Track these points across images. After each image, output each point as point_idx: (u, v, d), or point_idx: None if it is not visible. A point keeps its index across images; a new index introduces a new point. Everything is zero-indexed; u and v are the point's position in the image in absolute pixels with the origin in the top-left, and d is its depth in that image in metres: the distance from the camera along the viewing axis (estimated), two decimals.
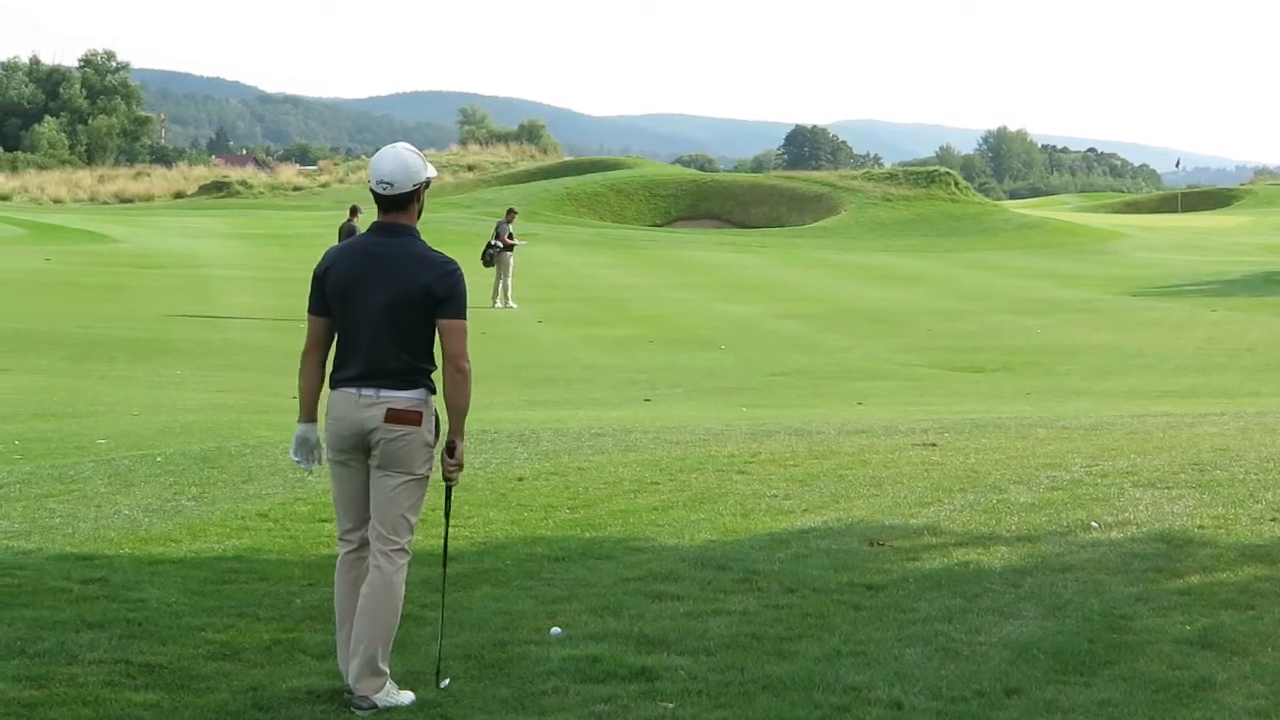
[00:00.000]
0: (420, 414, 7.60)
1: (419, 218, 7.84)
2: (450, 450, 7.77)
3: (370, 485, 7.73)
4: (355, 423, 7.61)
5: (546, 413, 20.49)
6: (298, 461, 7.94)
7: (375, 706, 7.41)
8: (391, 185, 7.68)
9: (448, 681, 7.74)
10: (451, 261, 7.72)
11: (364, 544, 7.76)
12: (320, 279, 7.77)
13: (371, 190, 7.75)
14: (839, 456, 15.11)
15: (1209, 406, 21.12)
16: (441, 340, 7.64)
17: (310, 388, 7.86)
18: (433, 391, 7.67)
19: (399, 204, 7.73)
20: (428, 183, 7.83)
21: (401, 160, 7.71)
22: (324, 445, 7.85)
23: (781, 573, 10.09)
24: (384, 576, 7.60)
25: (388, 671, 7.54)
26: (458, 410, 7.66)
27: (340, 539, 7.88)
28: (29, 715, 7.16)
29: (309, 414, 7.88)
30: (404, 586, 7.69)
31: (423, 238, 7.80)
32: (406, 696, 7.55)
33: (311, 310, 7.81)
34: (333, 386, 7.73)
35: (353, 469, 7.74)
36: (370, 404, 7.58)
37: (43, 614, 8.92)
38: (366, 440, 7.63)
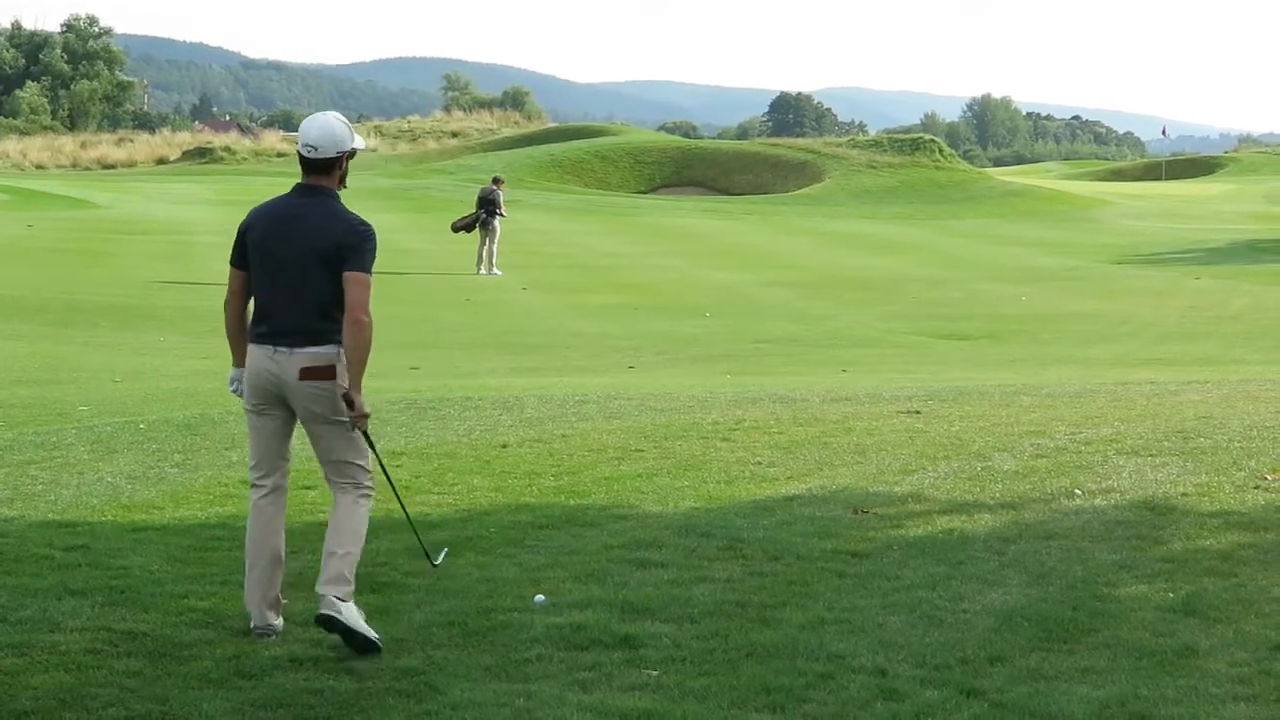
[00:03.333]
0: (334, 367, 7.98)
1: (341, 185, 8.25)
2: (349, 404, 7.99)
3: (309, 438, 8.22)
4: (272, 377, 8.05)
5: (531, 380, 20.47)
6: (234, 392, 8.38)
7: (340, 614, 7.73)
8: (316, 150, 8.14)
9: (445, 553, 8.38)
10: (365, 223, 8.14)
11: (276, 489, 8.27)
12: (243, 235, 8.25)
13: (298, 152, 8.18)
14: (823, 424, 15.10)
15: (1192, 374, 21.14)
16: (345, 291, 7.92)
17: (235, 334, 8.34)
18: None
19: (321, 168, 8.16)
20: (353, 153, 8.25)
21: (329, 128, 8.15)
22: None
23: (765, 540, 10.09)
24: (350, 501, 8.13)
25: (348, 591, 7.88)
26: (354, 363, 7.96)
27: (253, 484, 8.35)
28: (10, 683, 7.15)
29: (239, 359, 8.31)
30: (368, 515, 8.17)
31: (341, 201, 8.21)
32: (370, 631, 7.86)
33: (232, 262, 8.28)
34: (250, 341, 8.18)
35: (268, 417, 8.19)
36: (285, 360, 8.00)
37: (25, 581, 8.91)
38: (283, 393, 8.06)
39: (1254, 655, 7.70)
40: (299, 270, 8.00)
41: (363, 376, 8.00)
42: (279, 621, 8.07)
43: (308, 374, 7.96)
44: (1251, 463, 12.75)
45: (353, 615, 7.80)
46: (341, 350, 7.95)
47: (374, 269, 8.18)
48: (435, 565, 8.56)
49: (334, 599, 7.79)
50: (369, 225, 8.12)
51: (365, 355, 7.95)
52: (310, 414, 8.06)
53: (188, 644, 7.79)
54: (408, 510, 9.06)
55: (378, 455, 8.48)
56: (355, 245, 7.95)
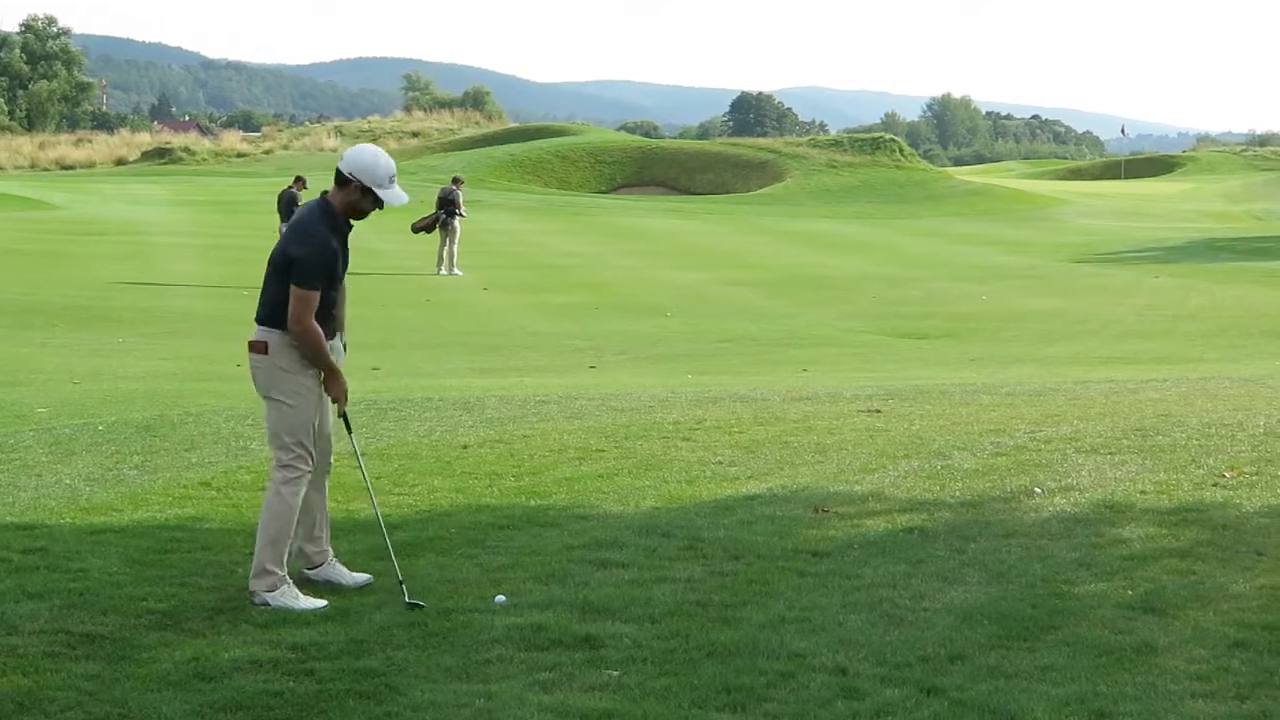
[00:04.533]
0: (266, 344, 8.78)
1: (349, 210, 8.88)
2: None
3: None
4: None
5: (492, 380, 20.44)
6: None
7: (267, 604, 8.54)
8: (340, 162, 8.88)
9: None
10: (312, 237, 8.77)
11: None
12: None
13: None
14: (784, 423, 15.12)
15: (1151, 372, 21.23)
16: None
17: None
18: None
19: (336, 180, 8.89)
20: (366, 188, 8.80)
21: (357, 152, 8.92)
22: None
23: (726, 539, 10.09)
24: (271, 488, 8.86)
25: (277, 573, 8.65)
26: (307, 360, 8.82)
27: None
28: None
29: None
30: (293, 499, 8.79)
31: (328, 214, 8.85)
32: (307, 602, 8.60)
33: None
34: None
35: None
36: None
37: None
38: None
39: (1212, 652, 7.72)
40: (270, 264, 8.85)
41: (326, 364, 8.84)
42: (319, 565, 9.13)
43: (250, 346, 8.87)
44: (1210, 460, 12.80)
45: (283, 601, 8.59)
46: (282, 334, 8.75)
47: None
48: (407, 603, 8.55)
49: (262, 594, 8.63)
50: (314, 239, 8.74)
51: (312, 355, 8.78)
52: (254, 383, 8.99)
53: (147, 646, 7.75)
54: (389, 538, 9.26)
55: (356, 450, 9.55)
56: (297, 257, 8.67)
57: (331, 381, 8.90)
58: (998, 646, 7.81)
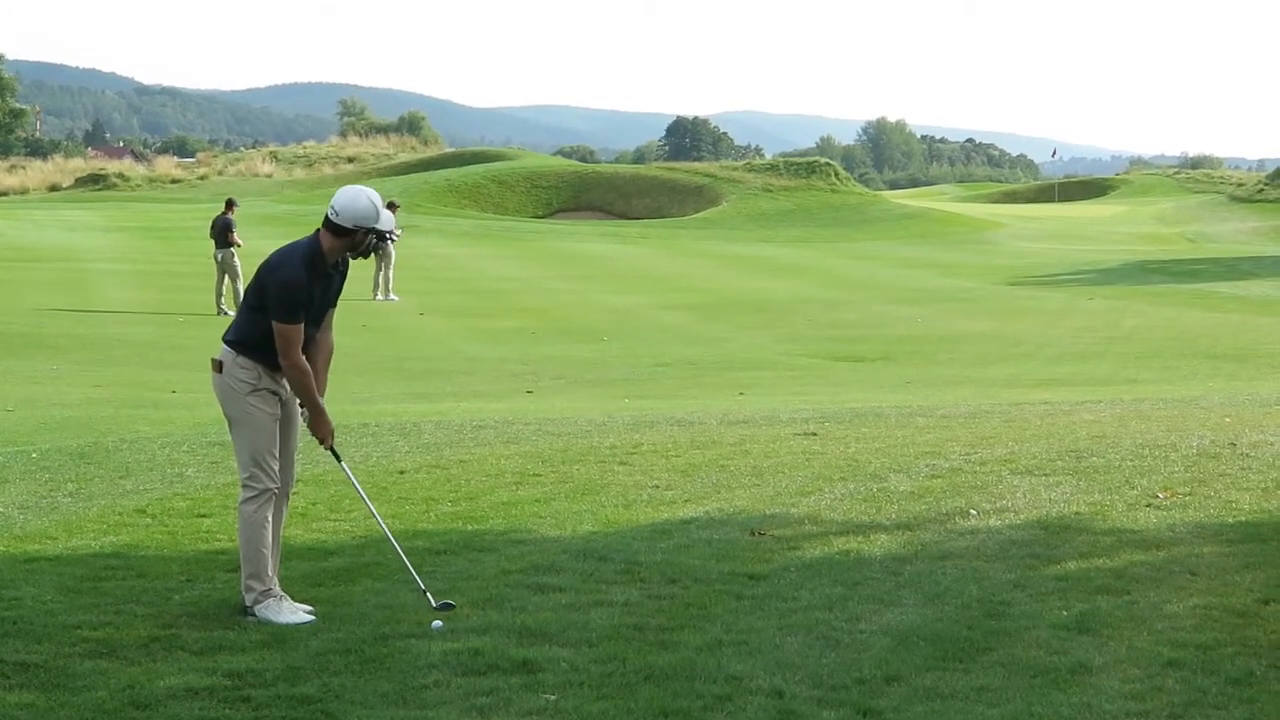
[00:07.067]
0: (221, 363, 9.03)
1: (334, 246, 8.99)
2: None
3: None
4: None
5: (428, 405, 20.41)
6: None
7: (256, 616, 8.77)
8: (334, 214, 8.95)
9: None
10: (273, 269, 8.95)
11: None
12: None
13: None
14: (720, 447, 15.15)
15: (1086, 394, 21.37)
16: None
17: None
18: (243, 353, 8.96)
19: (326, 224, 9.00)
20: (366, 229, 8.97)
21: (351, 199, 8.99)
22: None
23: (663, 563, 10.11)
24: (238, 507, 9.08)
25: (257, 588, 8.86)
26: (295, 394, 9.10)
27: None
28: None
29: None
30: (256, 520, 8.94)
31: (303, 250, 8.98)
32: (290, 616, 8.76)
33: None
34: None
35: None
36: None
37: None
38: None
39: (1146, 671, 7.78)
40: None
41: (312, 401, 9.04)
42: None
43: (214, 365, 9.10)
44: (1144, 481, 12.89)
45: (265, 614, 8.78)
46: (237, 355, 8.99)
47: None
48: (435, 606, 8.92)
49: (245, 605, 8.88)
50: (278, 272, 8.89)
51: (299, 389, 9.00)
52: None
53: (81, 675, 7.70)
54: (400, 548, 9.54)
55: (351, 477, 9.73)
56: (269, 288, 8.85)
57: (316, 421, 9.14)
58: (934, 668, 7.84)
